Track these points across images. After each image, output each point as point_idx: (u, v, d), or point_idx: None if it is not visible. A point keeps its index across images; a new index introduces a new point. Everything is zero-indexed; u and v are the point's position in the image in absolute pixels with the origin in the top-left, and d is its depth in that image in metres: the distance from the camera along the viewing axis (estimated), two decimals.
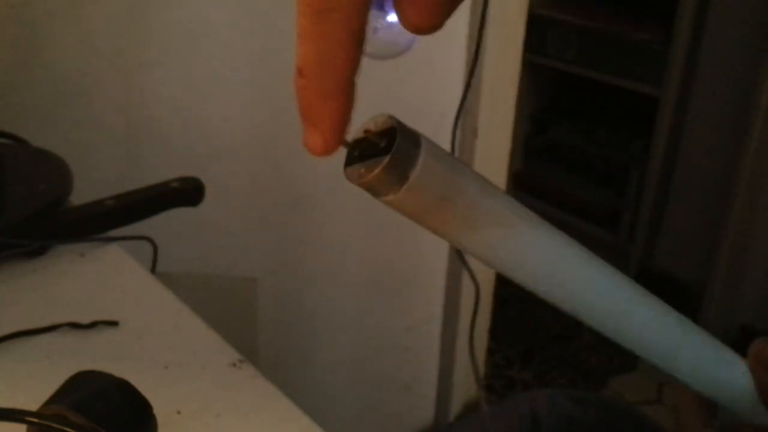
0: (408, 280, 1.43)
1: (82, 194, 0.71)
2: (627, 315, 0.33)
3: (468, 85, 0.82)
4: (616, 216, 2.15)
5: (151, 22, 0.96)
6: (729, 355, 0.38)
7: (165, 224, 0.73)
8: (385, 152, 0.25)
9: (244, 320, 1.16)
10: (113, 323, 0.58)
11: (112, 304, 0.60)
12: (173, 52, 0.99)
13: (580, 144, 2.22)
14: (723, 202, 1.79)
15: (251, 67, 1.06)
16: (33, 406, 0.39)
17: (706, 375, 0.37)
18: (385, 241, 1.34)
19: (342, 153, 0.27)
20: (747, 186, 1.71)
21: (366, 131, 0.26)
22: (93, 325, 0.57)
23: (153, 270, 0.68)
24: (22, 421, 0.38)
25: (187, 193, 0.74)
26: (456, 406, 1.58)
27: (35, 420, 0.38)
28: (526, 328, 1.98)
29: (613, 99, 2.18)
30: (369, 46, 0.25)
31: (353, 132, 0.26)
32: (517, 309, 2.02)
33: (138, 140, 1.00)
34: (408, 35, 0.25)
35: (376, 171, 0.25)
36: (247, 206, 1.14)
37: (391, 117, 0.26)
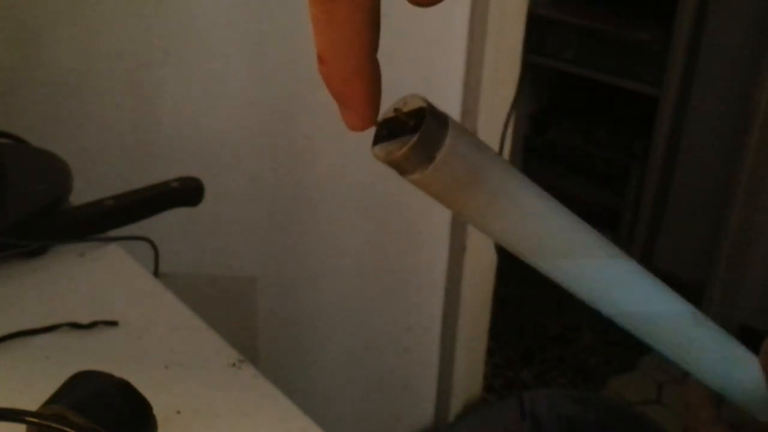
0: (408, 280, 1.43)
1: (82, 194, 0.71)
2: (643, 306, 0.33)
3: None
4: (616, 216, 2.15)
5: (151, 22, 0.96)
6: (741, 352, 0.38)
7: (165, 224, 0.73)
8: (414, 132, 0.26)
9: (244, 320, 1.16)
10: (113, 323, 0.58)
11: (112, 304, 0.60)
12: (173, 52, 0.99)
13: (580, 144, 2.22)
14: (723, 202, 1.78)
15: (251, 67, 1.06)
16: (33, 406, 0.39)
17: (718, 370, 0.37)
18: (385, 241, 1.34)
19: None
20: (747, 186, 1.71)
21: (396, 110, 0.27)
22: (93, 325, 0.57)
23: (156, 272, 0.68)
24: (21, 421, 0.38)
25: (186, 193, 0.74)
26: (456, 406, 1.58)
27: (35, 420, 0.38)
28: (525, 328, 1.98)
29: (613, 99, 2.18)
30: None
31: (382, 111, 0.27)
32: (517, 309, 2.02)
33: (138, 140, 1.00)
34: None
35: (404, 149, 0.25)
36: (247, 206, 1.14)
37: (421, 97, 0.26)
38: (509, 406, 0.69)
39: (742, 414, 0.41)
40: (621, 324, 0.33)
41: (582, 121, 2.25)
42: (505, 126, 0.90)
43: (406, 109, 0.26)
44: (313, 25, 0.25)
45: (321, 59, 0.25)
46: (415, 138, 0.25)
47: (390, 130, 0.26)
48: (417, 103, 0.26)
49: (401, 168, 0.26)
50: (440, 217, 1.39)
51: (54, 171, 0.71)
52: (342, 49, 0.25)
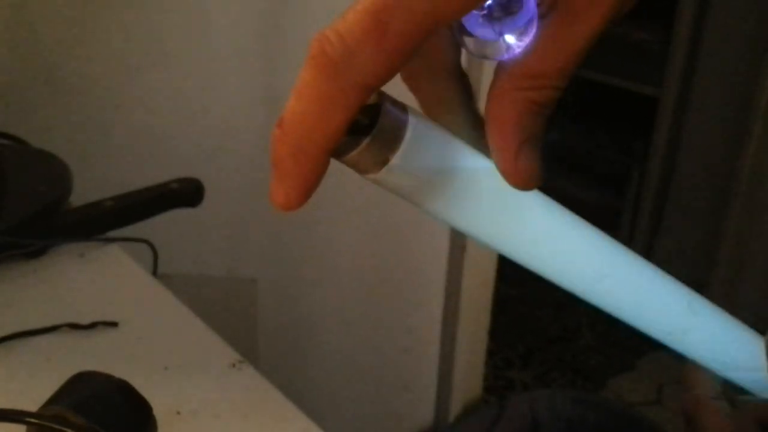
0: (407, 281, 1.42)
1: (82, 195, 0.71)
2: (631, 290, 0.32)
3: None
4: (616, 216, 2.15)
5: (151, 22, 0.96)
6: (741, 331, 0.38)
7: (164, 225, 0.73)
8: (369, 129, 0.23)
9: (244, 321, 1.16)
10: (113, 324, 0.58)
11: (112, 305, 0.60)
12: (173, 53, 0.99)
13: (580, 144, 2.23)
14: (723, 202, 1.79)
15: (251, 68, 1.06)
16: (33, 406, 0.39)
17: (716, 354, 0.37)
18: (385, 242, 1.34)
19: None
20: (747, 186, 1.71)
21: None
22: (93, 325, 0.57)
23: (154, 273, 0.68)
24: (22, 421, 0.38)
25: (186, 194, 0.74)
26: (456, 407, 1.58)
27: (35, 421, 0.38)
28: (525, 329, 1.98)
29: (613, 99, 2.18)
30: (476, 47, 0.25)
31: None
32: (517, 310, 2.02)
33: (138, 141, 1.00)
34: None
35: (355, 152, 0.23)
36: (246, 207, 1.14)
37: (379, 92, 0.24)
38: (510, 408, 0.69)
39: (741, 392, 0.41)
40: (609, 311, 0.32)
41: (582, 121, 2.25)
42: None
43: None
44: (295, 88, 0.23)
45: (280, 123, 0.23)
46: (367, 140, 0.23)
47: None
48: (374, 98, 0.24)
49: (355, 168, 0.24)
50: None
51: (54, 172, 0.71)
52: (310, 126, 0.22)
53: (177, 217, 0.75)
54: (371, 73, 0.22)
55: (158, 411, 0.42)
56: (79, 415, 0.38)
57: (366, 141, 0.23)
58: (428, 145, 0.25)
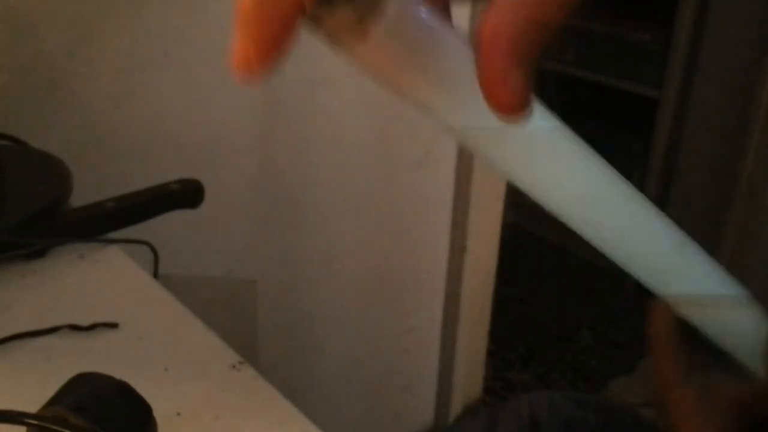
0: (408, 281, 1.42)
1: (82, 196, 0.71)
2: (616, 220, 0.30)
3: None
4: None
5: (151, 23, 0.96)
6: (732, 288, 0.37)
7: (165, 226, 0.73)
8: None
9: (244, 322, 1.16)
10: (113, 325, 0.58)
11: (112, 306, 0.60)
12: (173, 54, 0.99)
13: None
14: (723, 203, 1.79)
15: None
16: (33, 408, 0.39)
17: (701, 300, 0.35)
18: (385, 242, 1.34)
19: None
20: (747, 186, 1.71)
21: None
22: (93, 327, 0.57)
23: (155, 274, 0.68)
24: (21, 423, 0.38)
25: (186, 195, 0.74)
26: (456, 408, 1.58)
27: (35, 422, 0.38)
28: (525, 329, 1.98)
29: (613, 100, 2.18)
30: None
31: None
32: (517, 310, 2.02)
33: (138, 142, 1.00)
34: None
35: (330, 17, 0.21)
36: (246, 208, 1.14)
37: None
38: (510, 409, 0.69)
39: (721, 358, 0.39)
40: (597, 244, 0.30)
41: (582, 123, 2.24)
42: None
43: None
44: None
45: None
46: (344, 8, 0.21)
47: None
48: None
49: (333, 40, 0.22)
50: (440, 218, 1.39)
51: (54, 172, 0.71)
52: None
53: (177, 218, 0.75)
54: None
55: (158, 412, 0.42)
56: (79, 416, 0.38)
57: (342, 4, 0.21)
58: (411, 19, 0.23)
